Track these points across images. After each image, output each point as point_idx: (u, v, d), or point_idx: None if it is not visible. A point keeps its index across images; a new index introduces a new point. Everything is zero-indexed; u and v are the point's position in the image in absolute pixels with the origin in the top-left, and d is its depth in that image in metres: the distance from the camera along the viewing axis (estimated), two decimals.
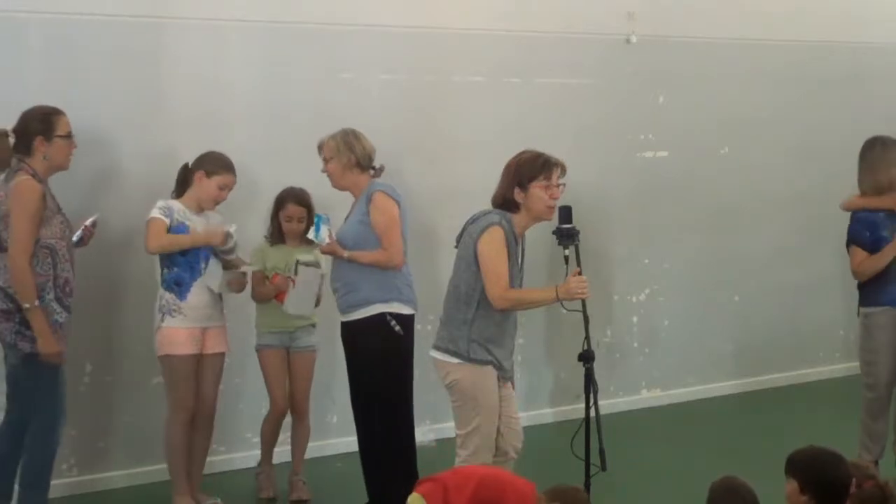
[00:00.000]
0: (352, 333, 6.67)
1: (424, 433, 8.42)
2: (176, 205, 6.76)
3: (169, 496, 6.90)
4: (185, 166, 6.90)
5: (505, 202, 5.80)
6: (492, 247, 5.67)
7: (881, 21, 10.17)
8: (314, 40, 7.93)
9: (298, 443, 7.39)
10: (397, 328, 6.53)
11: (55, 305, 6.17)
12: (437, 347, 5.90)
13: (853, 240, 6.94)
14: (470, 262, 5.74)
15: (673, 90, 9.28)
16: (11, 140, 6.19)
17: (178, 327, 6.70)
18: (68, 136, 6.28)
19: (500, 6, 8.59)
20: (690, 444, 7.90)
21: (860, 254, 6.91)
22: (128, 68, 7.32)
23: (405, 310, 6.59)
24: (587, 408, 5.51)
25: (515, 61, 8.65)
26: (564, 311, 5.73)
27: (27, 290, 6.02)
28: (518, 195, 5.75)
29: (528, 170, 5.75)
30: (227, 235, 6.81)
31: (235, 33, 7.68)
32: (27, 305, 6.03)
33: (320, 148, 6.80)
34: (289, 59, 7.85)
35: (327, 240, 6.61)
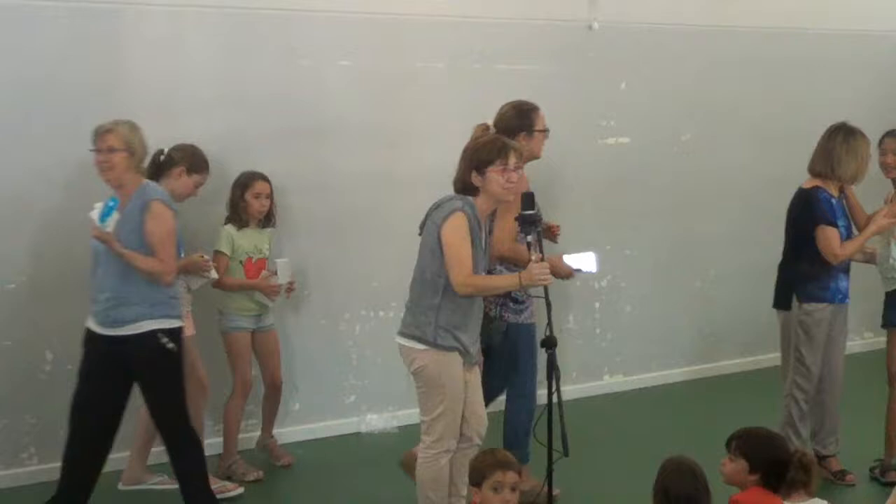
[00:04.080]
0: (117, 348, 6.16)
1: (387, 420, 8.44)
2: None
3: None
4: (161, 153, 6.84)
5: (465, 187, 5.82)
6: (455, 233, 5.68)
7: (841, 7, 10.21)
8: (273, 26, 7.89)
9: (273, 410, 7.61)
10: (170, 345, 6.18)
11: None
12: (402, 334, 5.90)
13: (826, 221, 6.90)
14: (434, 249, 5.74)
15: (635, 77, 9.29)
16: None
17: None
18: (544, 130, 6.70)
19: None
20: (653, 429, 7.94)
21: (833, 234, 6.90)
22: (85, 55, 7.28)
23: (175, 323, 6.24)
24: (549, 394, 5.52)
25: (476, 47, 8.63)
26: (527, 297, 5.73)
27: (521, 253, 6.23)
28: (476, 179, 5.77)
29: (485, 154, 5.77)
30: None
31: (193, 19, 7.64)
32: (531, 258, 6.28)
33: (102, 133, 6.20)
34: (247, 45, 7.81)
35: (110, 227, 6.11)
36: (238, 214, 7.30)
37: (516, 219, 5.75)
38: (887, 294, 7.17)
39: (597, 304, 9.38)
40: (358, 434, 8.31)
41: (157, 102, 7.41)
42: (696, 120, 9.65)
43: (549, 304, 5.61)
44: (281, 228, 7.64)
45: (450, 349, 5.79)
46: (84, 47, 7.28)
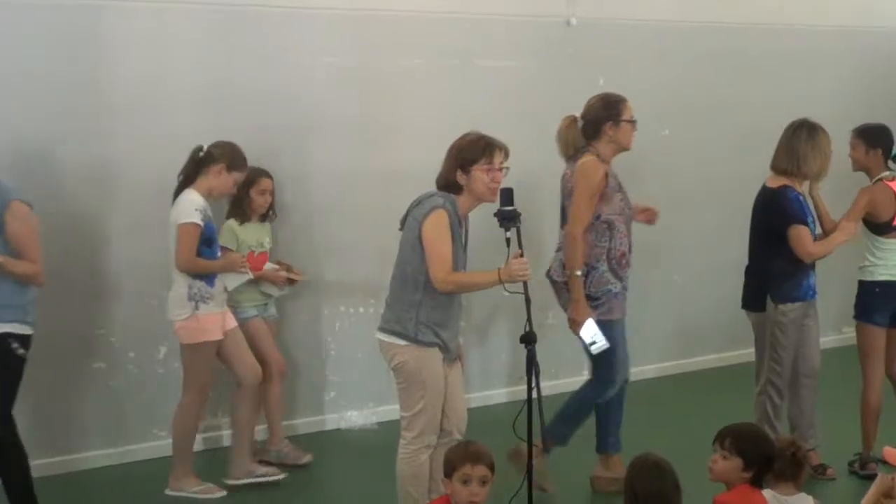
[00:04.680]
0: None
1: (367, 416, 8.45)
2: (203, 201, 6.77)
3: (106, 483, 7.04)
4: (199, 150, 6.85)
5: (448, 184, 5.81)
6: (436, 230, 5.68)
7: (820, 3, 10.25)
8: (257, 23, 7.88)
9: (279, 407, 7.64)
10: (20, 351, 6.08)
11: (609, 276, 6.75)
12: (382, 329, 5.89)
13: (798, 220, 6.91)
14: (415, 245, 5.73)
15: (613, 72, 9.26)
16: (580, 125, 6.80)
17: (212, 313, 6.82)
18: (632, 120, 6.77)
19: None
20: (630, 424, 7.92)
21: (806, 233, 6.91)
22: (69, 52, 7.25)
23: (26, 330, 6.13)
24: (529, 389, 5.51)
25: (456, 43, 8.63)
26: (506, 293, 5.73)
27: (573, 259, 6.64)
28: (460, 178, 5.77)
29: (471, 153, 5.77)
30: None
31: (178, 16, 7.62)
32: (576, 273, 6.62)
33: None
34: (232, 42, 7.80)
35: None
36: (241, 209, 7.35)
37: (495, 215, 5.73)
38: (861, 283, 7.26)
39: None
40: (338, 430, 8.31)
41: (143, 98, 7.43)
42: (676, 116, 9.66)
43: (528, 300, 5.60)
44: (291, 222, 7.76)
45: (430, 345, 5.78)
46: (68, 43, 7.25)
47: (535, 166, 8.44)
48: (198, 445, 7.34)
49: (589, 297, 6.72)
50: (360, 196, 8.23)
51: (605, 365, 6.87)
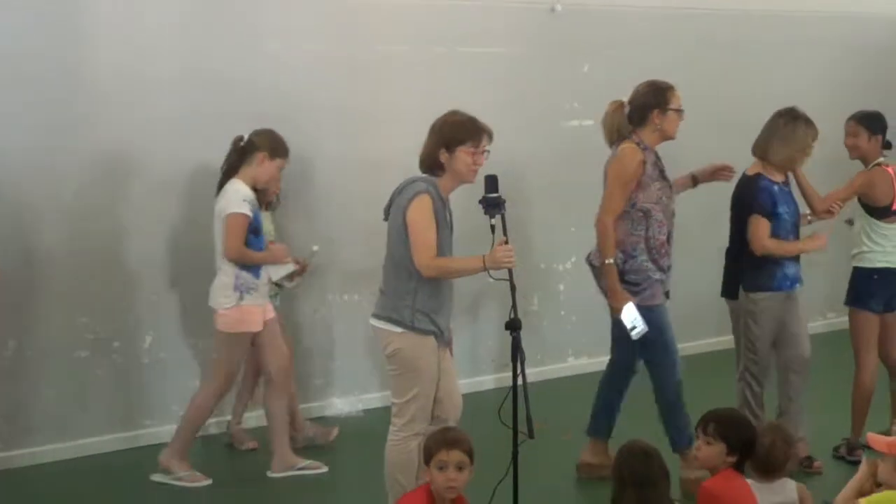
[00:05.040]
0: None
1: (353, 403, 8.44)
2: (250, 192, 6.78)
3: (92, 471, 7.05)
4: (241, 139, 6.86)
5: (431, 164, 5.81)
6: (420, 215, 5.67)
7: None
8: (237, 10, 7.86)
9: (295, 396, 7.62)
10: None
11: (648, 264, 6.66)
12: (377, 316, 5.87)
13: (759, 210, 6.86)
14: (401, 233, 5.73)
15: (598, 59, 9.29)
16: (627, 110, 6.74)
17: (255, 304, 6.85)
18: (679, 109, 6.71)
19: None
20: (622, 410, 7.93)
21: (765, 225, 6.86)
22: (45, 37, 7.22)
23: None
24: (514, 376, 5.51)
25: (440, 30, 8.62)
26: (491, 280, 5.73)
27: (605, 248, 6.62)
28: (443, 156, 5.77)
29: (457, 133, 5.77)
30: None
31: (156, 2, 7.59)
32: (606, 261, 6.59)
33: None
34: (211, 29, 7.77)
35: None
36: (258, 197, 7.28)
37: (480, 202, 5.73)
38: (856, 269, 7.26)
39: (561, 286, 9.40)
40: (324, 418, 8.31)
41: (118, 83, 7.39)
42: None
43: (513, 287, 5.59)
44: None
45: (426, 332, 5.78)
46: (44, 25, 7.21)
47: (520, 153, 8.47)
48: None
49: (630, 283, 6.68)
50: (343, 183, 8.22)
51: (658, 350, 6.82)
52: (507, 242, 5.62)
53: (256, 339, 6.96)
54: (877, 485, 4.72)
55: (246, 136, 6.87)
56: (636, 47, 9.44)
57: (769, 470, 5.09)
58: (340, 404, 8.42)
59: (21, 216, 7.13)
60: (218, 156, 7.01)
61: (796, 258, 7.01)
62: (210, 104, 7.64)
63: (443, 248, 5.76)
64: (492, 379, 8.89)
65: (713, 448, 4.98)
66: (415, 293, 5.75)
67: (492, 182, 5.69)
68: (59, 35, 7.28)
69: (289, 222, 8.02)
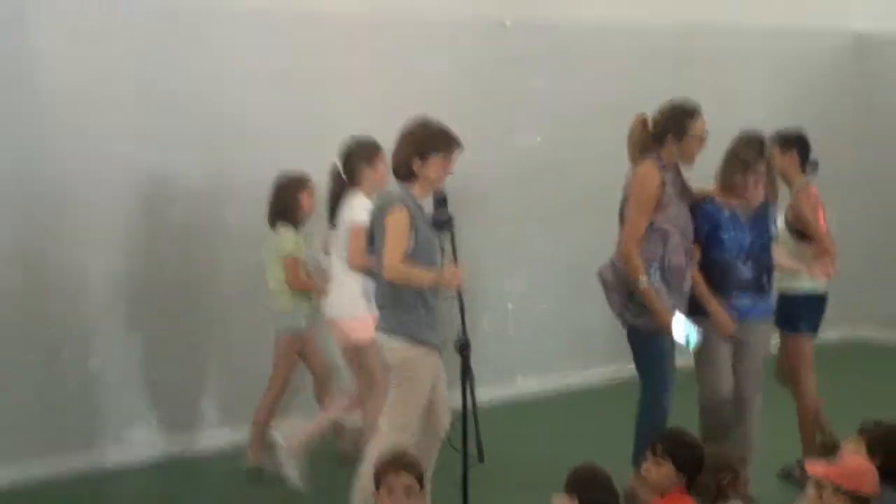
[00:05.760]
0: None
1: None
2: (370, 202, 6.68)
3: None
4: (348, 151, 6.95)
5: (408, 172, 5.91)
6: (396, 223, 5.82)
7: (762, 2, 10.30)
8: (192, 25, 7.83)
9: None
10: None
11: (660, 286, 6.46)
12: (383, 329, 5.98)
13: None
14: None
15: (547, 74, 9.26)
16: (650, 126, 6.61)
17: (372, 313, 6.64)
18: (699, 136, 6.54)
19: None
20: (567, 432, 7.93)
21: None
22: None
23: None
24: (464, 397, 5.46)
25: (390, 46, 8.58)
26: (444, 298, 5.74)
27: (634, 273, 6.45)
28: (416, 164, 5.88)
29: (433, 142, 5.91)
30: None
31: (109, 9, 7.55)
32: (641, 287, 6.42)
33: None
34: (167, 44, 7.73)
35: None
36: (292, 215, 7.20)
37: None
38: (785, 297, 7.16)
39: (510, 305, 9.34)
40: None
41: (72, 95, 7.33)
42: (611, 118, 9.54)
43: (462, 308, 5.59)
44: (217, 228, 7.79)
45: (430, 344, 5.89)
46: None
47: (468, 170, 8.36)
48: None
49: (640, 304, 6.49)
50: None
51: (655, 376, 6.60)
52: (455, 262, 5.69)
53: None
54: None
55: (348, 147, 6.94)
56: (585, 62, 9.45)
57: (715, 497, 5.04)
58: None
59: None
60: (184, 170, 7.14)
61: (747, 288, 6.69)
62: (166, 123, 7.62)
63: (430, 242, 5.88)
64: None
65: (662, 469, 4.92)
66: (417, 307, 5.86)
67: (441, 201, 5.81)
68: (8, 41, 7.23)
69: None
